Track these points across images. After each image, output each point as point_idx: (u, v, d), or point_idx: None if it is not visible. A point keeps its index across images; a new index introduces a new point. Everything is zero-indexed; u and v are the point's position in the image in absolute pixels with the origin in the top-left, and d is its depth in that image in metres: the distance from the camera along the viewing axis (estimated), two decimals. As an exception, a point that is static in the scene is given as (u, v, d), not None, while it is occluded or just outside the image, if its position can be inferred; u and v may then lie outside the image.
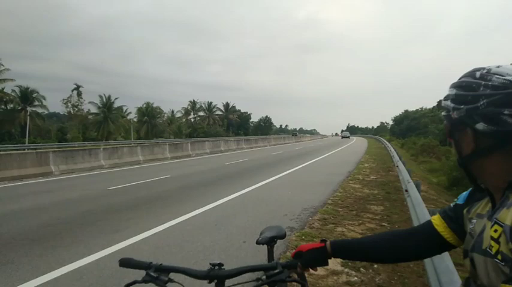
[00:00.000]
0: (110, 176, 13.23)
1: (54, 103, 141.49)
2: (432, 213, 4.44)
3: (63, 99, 54.60)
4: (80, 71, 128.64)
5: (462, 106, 0.83)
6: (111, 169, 15.58)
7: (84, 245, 5.00)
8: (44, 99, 47.68)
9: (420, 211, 4.70)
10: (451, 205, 1.08)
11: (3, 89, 43.96)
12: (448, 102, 0.89)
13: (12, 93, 45.01)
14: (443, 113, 0.96)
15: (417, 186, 6.63)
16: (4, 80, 43.51)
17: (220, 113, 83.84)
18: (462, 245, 0.98)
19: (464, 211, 1.00)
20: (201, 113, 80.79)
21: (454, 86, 0.88)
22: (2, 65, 43.18)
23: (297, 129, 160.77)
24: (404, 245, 1.13)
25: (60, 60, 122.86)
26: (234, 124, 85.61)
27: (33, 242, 5.17)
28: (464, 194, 1.05)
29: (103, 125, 53.05)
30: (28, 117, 40.01)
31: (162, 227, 5.89)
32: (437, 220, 1.08)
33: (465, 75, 0.87)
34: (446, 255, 2.47)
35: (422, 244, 1.11)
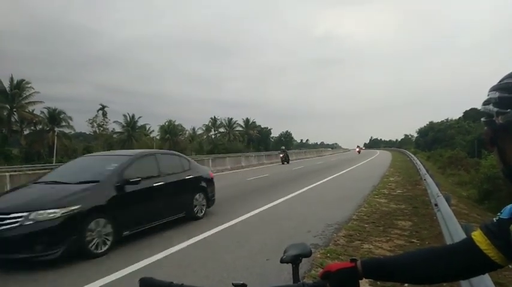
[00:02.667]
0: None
1: (80, 123, 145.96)
2: (465, 228, 4.20)
3: (89, 119, 56.41)
4: (105, 92, 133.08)
5: (508, 110, 0.75)
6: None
7: (112, 263, 5.00)
8: (71, 119, 49.47)
9: (452, 226, 4.46)
10: (494, 219, 0.97)
11: (33, 111, 46.05)
12: (490, 107, 0.81)
13: (41, 115, 47.02)
14: (483, 119, 0.87)
15: (447, 200, 6.35)
16: (34, 102, 45.63)
17: (240, 129, 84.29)
18: (510, 265, 0.87)
19: (511, 226, 0.90)
20: (222, 130, 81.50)
21: (496, 88, 0.80)
22: (32, 88, 45.39)
23: (318, 143, 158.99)
24: (443, 265, 1.02)
25: (86, 82, 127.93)
26: (254, 140, 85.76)
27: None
28: (509, 207, 0.94)
29: (127, 144, 54.34)
30: (56, 137, 41.50)
31: (185, 243, 5.84)
32: (479, 237, 0.97)
33: (508, 77, 0.79)
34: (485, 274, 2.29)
35: (463, 263, 1.00)
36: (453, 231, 4.16)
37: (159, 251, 5.40)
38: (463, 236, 3.93)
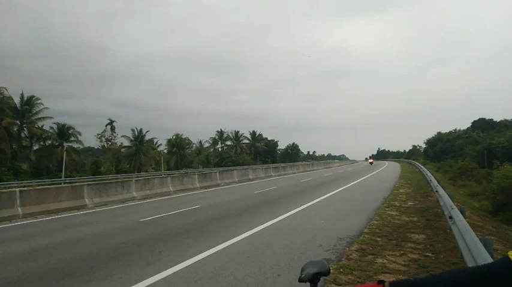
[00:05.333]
0: (142, 207, 13.35)
1: (88, 138, 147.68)
2: (484, 242, 4.06)
3: (98, 134, 56.92)
4: (114, 107, 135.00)
5: None
6: (142, 200, 15.76)
7: (117, 280, 4.92)
8: (80, 134, 49.90)
9: (470, 240, 4.32)
10: None
11: (42, 126, 46.62)
12: None
13: (51, 130, 47.56)
14: None
15: (462, 212, 6.20)
16: (43, 118, 46.19)
17: (247, 141, 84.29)
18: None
19: None
20: (229, 142, 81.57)
21: None
22: (42, 104, 46.04)
23: (325, 155, 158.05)
24: (479, 286, 0.94)
25: (95, 98, 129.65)
26: (261, 152, 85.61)
27: (67, 276, 5.16)
28: None
29: (135, 158, 54.56)
30: (65, 152, 41.85)
31: (194, 259, 5.75)
32: None
33: None
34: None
35: (503, 284, 0.92)
36: (471, 245, 4.02)
37: (167, 268, 5.31)
38: (483, 250, 3.79)
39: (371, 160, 67.67)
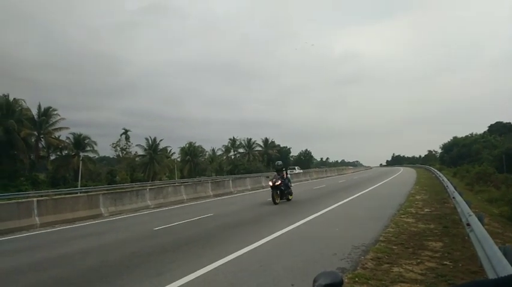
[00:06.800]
0: (156, 216, 13.43)
1: (104, 147, 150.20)
2: (504, 251, 3.92)
3: (113, 144, 57.73)
4: (128, 116, 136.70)
5: None
6: (156, 208, 15.86)
7: None
8: (95, 144, 50.80)
9: (489, 248, 4.19)
10: None
11: (59, 136, 47.66)
12: None
13: (67, 141, 48.57)
14: None
15: (480, 219, 6.02)
16: (60, 128, 47.28)
17: (259, 148, 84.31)
18: None
19: None
20: (241, 150, 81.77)
21: None
22: (58, 114, 47.16)
23: (338, 161, 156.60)
24: None
25: (110, 108, 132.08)
26: (274, 159, 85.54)
27: None
28: None
29: (149, 166, 55.19)
30: (81, 162, 42.60)
31: (207, 269, 5.73)
32: None
33: None
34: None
35: None
36: (491, 254, 3.89)
37: (179, 278, 5.30)
38: (503, 259, 3.66)
39: None
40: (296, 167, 57.92)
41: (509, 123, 76.79)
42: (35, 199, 12.64)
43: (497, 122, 79.24)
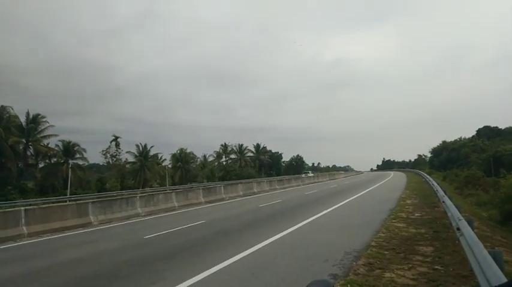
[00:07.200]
0: (146, 224, 13.29)
1: (93, 155, 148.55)
2: (493, 255, 3.97)
3: (102, 151, 57.01)
4: (118, 123, 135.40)
5: None
6: (147, 216, 15.69)
7: None
8: (85, 151, 50.10)
9: (479, 253, 4.24)
10: None
11: (47, 144, 46.93)
12: None
13: (56, 148, 47.85)
14: None
15: (470, 223, 6.10)
16: (49, 136, 46.56)
17: (251, 154, 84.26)
18: None
19: None
20: (233, 156, 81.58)
21: None
22: (47, 122, 46.50)
23: (330, 166, 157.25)
24: None
25: (100, 114, 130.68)
26: (265, 165, 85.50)
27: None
28: None
29: (140, 173, 54.61)
30: (70, 169, 42.00)
31: (199, 277, 5.68)
32: None
33: None
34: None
35: None
36: (481, 259, 3.93)
37: (172, 286, 5.24)
38: (493, 264, 3.71)
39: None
40: (309, 171, 76.46)
41: (497, 127, 78.20)
42: (22, 208, 12.41)
43: (485, 126, 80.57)
